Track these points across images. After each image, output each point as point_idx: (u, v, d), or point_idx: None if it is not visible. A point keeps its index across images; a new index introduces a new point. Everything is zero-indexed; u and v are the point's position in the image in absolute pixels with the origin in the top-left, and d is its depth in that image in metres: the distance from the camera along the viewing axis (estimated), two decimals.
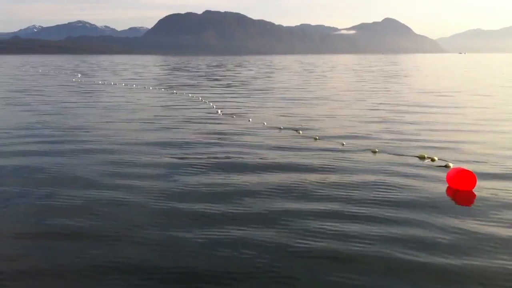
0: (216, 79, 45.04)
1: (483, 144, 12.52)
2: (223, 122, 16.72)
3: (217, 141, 13.10)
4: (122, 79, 45.86)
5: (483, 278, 5.14)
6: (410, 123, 16.41)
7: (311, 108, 21.12)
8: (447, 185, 8.53)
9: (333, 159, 10.75)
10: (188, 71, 66.05)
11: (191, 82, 41.01)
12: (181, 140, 13.20)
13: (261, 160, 10.75)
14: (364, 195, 7.99)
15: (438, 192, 8.17)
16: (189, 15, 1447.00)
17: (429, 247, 5.84)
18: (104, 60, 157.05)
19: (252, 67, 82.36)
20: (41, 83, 40.32)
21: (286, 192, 8.25)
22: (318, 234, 6.30)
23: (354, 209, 7.30)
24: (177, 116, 18.46)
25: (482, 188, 8.31)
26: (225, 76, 51.63)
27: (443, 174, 9.13)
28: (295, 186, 8.59)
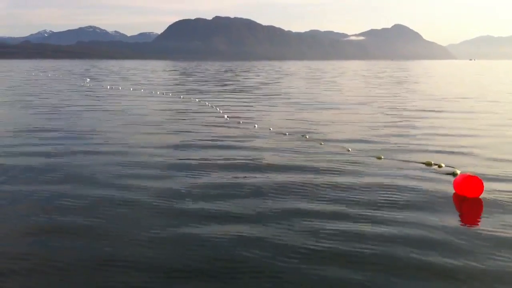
0: (224, 84, 45.06)
1: (491, 150, 12.36)
2: (229, 127, 16.68)
3: (222, 145, 13.06)
4: (130, 83, 46.01)
5: (489, 280, 5.17)
6: (417, 128, 16.27)
7: (318, 113, 21.03)
8: (454, 192, 8.41)
9: (338, 165, 10.64)
10: (196, 76, 66.17)
11: (199, 87, 41.04)
12: (187, 144, 13.21)
13: (265, 164, 10.68)
14: (368, 202, 7.88)
15: (444, 199, 8.05)
16: (198, 21, 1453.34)
17: (435, 254, 5.74)
18: (114, 65, 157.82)
19: (260, 72, 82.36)
20: (50, 87, 40.50)
21: (290, 195, 8.19)
22: (323, 236, 6.27)
23: (357, 214, 7.20)
24: (183, 121, 18.45)
25: (489, 195, 8.18)
26: (233, 81, 51.65)
27: (450, 181, 9.00)
28: (299, 191, 8.52)
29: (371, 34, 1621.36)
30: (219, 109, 22.11)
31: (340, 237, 6.33)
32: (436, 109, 22.53)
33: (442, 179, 9.35)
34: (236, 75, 68.45)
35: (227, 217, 7.14)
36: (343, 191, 8.56)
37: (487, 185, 8.37)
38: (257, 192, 8.49)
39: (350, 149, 12.38)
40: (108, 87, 40.47)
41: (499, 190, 8.50)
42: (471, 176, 8.21)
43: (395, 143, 13.44)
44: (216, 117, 19.47)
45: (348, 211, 7.40)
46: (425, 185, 8.87)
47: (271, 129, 15.92)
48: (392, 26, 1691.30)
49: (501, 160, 11.16)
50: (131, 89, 37.56)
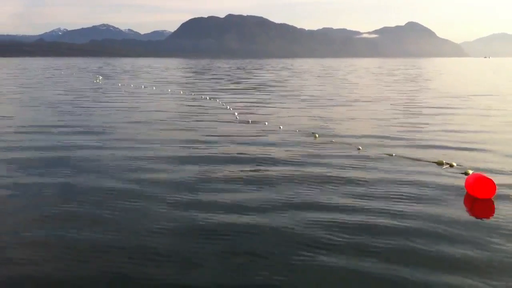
0: (236, 82, 44.99)
1: (504, 149, 12.13)
2: (239, 125, 16.58)
3: (232, 141, 12.97)
4: (142, 81, 46.12)
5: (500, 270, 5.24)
6: (430, 127, 16.05)
7: (329, 111, 20.86)
8: (466, 192, 8.22)
9: (349, 163, 10.50)
10: (208, 74, 66.19)
11: (210, 84, 41.02)
12: (196, 141, 13.16)
13: (273, 161, 10.58)
14: (378, 201, 7.74)
15: (456, 200, 7.87)
16: (211, 19, 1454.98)
17: (448, 257, 5.63)
18: (127, 63, 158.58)
19: (272, 70, 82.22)
20: (63, 84, 40.70)
21: (300, 191, 8.10)
22: (333, 242, 6.13)
23: (368, 216, 7.06)
24: (192, 118, 18.39)
25: (502, 196, 7.98)
26: (244, 79, 51.56)
27: (461, 182, 8.80)
28: (309, 189, 8.41)
29: (384, 31, 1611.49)
30: (229, 106, 22.02)
31: (349, 231, 6.37)
32: (449, 107, 22.25)
33: (453, 179, 9.16)
34: (248, 73, 68.35)
35: (240, 209, 7.25)
36: (354, 188, 8.44)
37: (498, 186, 8.15)
38: (267, 187, 8.54)
39: (360, 147, 12.22)
40: (120, 84, 40.58)
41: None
42: (483, 176, 8.00)
43: (407, 141, 13.26)
44: (226, 114, 19.37)
45: (357, 207, 7.32)
46: (436, 186, 8.68)
47: (281, 127, 15.79)
48: (406, 24, 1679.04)
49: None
50: (143, 86, 37.62)
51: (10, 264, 5.63)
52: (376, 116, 18.96)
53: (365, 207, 7.42)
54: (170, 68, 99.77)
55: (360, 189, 8.44)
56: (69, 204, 7.65)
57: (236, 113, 19.34)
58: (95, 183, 8.95)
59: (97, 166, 10.26)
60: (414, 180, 9.03)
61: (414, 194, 8.15)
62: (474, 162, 10.62)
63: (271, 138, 13.83)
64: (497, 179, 8.26)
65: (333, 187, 8.57)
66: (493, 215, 7.16)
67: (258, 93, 31.73)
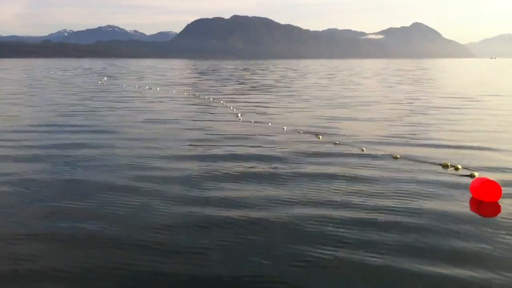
0: (241, 83, 44.88)
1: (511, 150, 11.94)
2: (241, 125, 16.45)
3: (234, 145, 12.81)
4: (147, 82, 46.12)
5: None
6: (435, 128, 15.86)
7: (333, 112, 20.68)
8: (471, 196, 8.05)
9: (352, 165, 10.34)
10: (213, 74, 66.14)
11: (215, 85, 40.95)
12: (199, 144, 13.03)
13: (278, 165, 10.42)
14: (382, 204, 7.57)
15: (461, 204, 7.70)
16: (217, 20, 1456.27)
17: (449, 260, 5.48)
18: (132, 64, 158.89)
19: (277, 71, 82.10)
20: (68, 85, 40.75)
21: (304, 197, 7.97)
22: (337, 241, 6.10)
23: (371, 217, 6.93)
24: (195, 118, 18.29)
25: (508, 200, 7.81)
26: (249, 79, 51.45)
27: (466, 184, 8.62)
28: (313, 192, 8.28)
29: (389, 32, 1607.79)
30: (233, 107, 21.89)
31: (352, 241, 6.11)
32: (455, 107, 22.05)
33: (458, 183, 8.98)
34: (252, 74, 68.25)
35: (236, 220, 6.91)
36: (358, 191, 8.29)
37: (504, 189, 7.98)
38: (270, 185, 8.44)
39: (364, 149, 12.06)
40: (124, 85, 40.57)
41: None
42: (489, 180, 7.83)
43: (412, 142, 13.09)
44: (229, 115, 19.25)
45: (361, 212, 7.16)
46: (441, 189, 8.49)
47: (285, 128, 15.64)
48: (411, 25, 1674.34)
49: None
50: (147, 87, 37.56)
51: (14, 257, 5.70)
52: (380, 117, 18.78)
53: (367, 210, 7.28)
54: (176, 69, 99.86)
55: (363, 192, 8.28)
56: (75, 199, 7.81)
57: (239, 114, 19.21)
58: (100, 180, 9.17)
59: (102, 165, 10.38)
60: (418, 183, 8.87)
61: (418, 196, 7.99)
62: (480, 164, 10.43)
63: (274, 138, 13.70)
64: (503, 181, 8.10)
65: (335, 189, 8.43)
66: (498, 216, 7.07)
67: (262, 93, 31.61)
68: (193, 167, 10.25)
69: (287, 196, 8.04)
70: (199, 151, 12.13)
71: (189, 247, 5.94)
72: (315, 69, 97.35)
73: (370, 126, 16.51)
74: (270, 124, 16.49)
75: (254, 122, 17.18)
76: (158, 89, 35.77)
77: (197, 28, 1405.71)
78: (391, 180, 9.09)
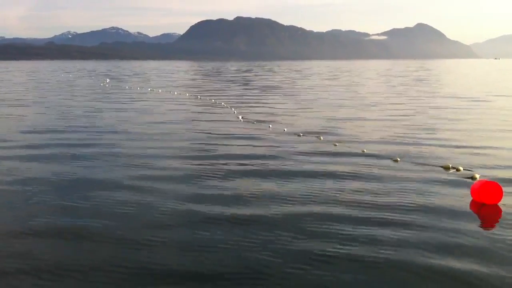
0: (243, 84, 44.82)
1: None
2: (243, 127, 16.34)
3: (235, 147, 12.74)
4: (149, 84, 46.10)
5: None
6: (436, 129, 15.73)
7: (335, 113, 20.53)
8: (472, 198, 7.92)
9: (352, 168, 10.21)
10: (216, 76, 66.12)
11: (217, 87, 40.88)
12: (200, 145, 13.01)
13: (277, 166, 10.33)
14: (381, 207, 7.47)
15: (461, 206, 7.57)
16: (220, 21, 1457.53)
17: (449, 260, 5.36)
18: (136, 65, 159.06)
19: (280, 72, 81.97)
20: (71, 87, 40.77)
21: (305, 198, 7.96)
22: (338, 240, 6.13)
23: (371, 217, 6.84)
24: (197, 121, 18.20)
25: (509, 202, 7.67)
26: (251, 81, 51.38)
27: (468, 186, 8.47)
28: (313, 194, 8.23)
29: (393, 33, 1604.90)
30: (234, 109, 21.79)
31: (355, 240, 6.15)
32: (458, 108, 21.89)
33: (460, 184, 8.86)
34: (255, 75, 68.17)
35: (238, 219, 7.00)
36: (358, 194, 8.20)
37: (506, 191, 7.86)
38: (269, 195, 8.21)
39: (365, 150, 11.94)
40: (127, 87, 40.55)
41: None
42: (490, 182, 7.70)
43: (413, 144, 12.95)
44: (230, 117, 19.15)
45: (363, 214, 7.11)
46: (442, 193, 8.35)
47: (285, 129, 15.54)
48: (415, 25, 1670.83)
49: None
50: (149, 89, 37.51)
51: (17, 254, 5.78)
52: (382, 119, 18.65)
53: (368, 212, 7.19)
54: (179, 70, 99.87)
55: (364, 195, 8.17)
56: (65, 214, 7.40)
57: (240, 116, 19.10)
58: (102, 178, 9.40)
59: (98, 174, 10.01)
60: (419, 186, 8.75)
61: (419, 199, 7.87)
62: (482, 165, 10.30)
63: (275, 141, 13.58)
64: (504, 183, 7.98)
65: (335, 193, 8.30)
66: (499, 220, 6.94)
67: (265, 95, 31.52)
68: (193, 166, 10.45)
69: (286, 195, 8.08)
70: (199, 151, 12.20)
71: (190, 244, 6.06)
72: (318, 70, 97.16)
73: (371, 127, 16.37)
74: (270, 126, 16.36)
75: (255, 122, 17.09)
76: (159, 90, 35.70)
77: (201, 30, 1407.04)
78: (392, 182, 8.99)
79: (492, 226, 6.84)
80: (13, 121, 18.46)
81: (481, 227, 6.76)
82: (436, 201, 7.81)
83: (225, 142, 13.50)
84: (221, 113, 20.70)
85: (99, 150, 12.29)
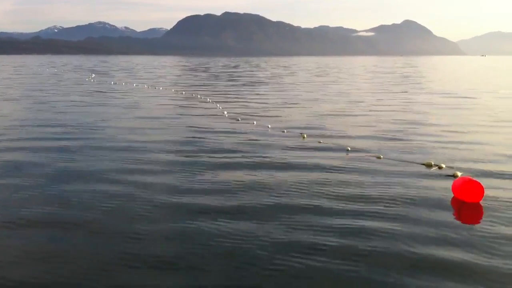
0: (228, 80, 44.67)
1: (495, 149, 11.80)
2: (227, 124, 16.22)
3: (219, 142, 12.63)
4: (135, 79, 45.77)
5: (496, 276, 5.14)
6: (422, 126, 15.72)
7: (319, 111, 20.47)
8: (453, 196, 7.89)
9: (335, 164, 10.17)
10: (203, 72, 65.85)
11: (203, 82, 40.70)
12: (185, 140, 13.07)
13: (261, 162, 10.24)
14: (364, 203, 7.43)
15: (442, 204, 7.53)
16: (208, 17, 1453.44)
17: (429, 265, 5.30)
18: (122, 60, 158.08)
19: (268, 68, 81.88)
20: (56, 82, 40.38)
21: (288, 193, 8.01)
22: (325, 231, 5.91)
23: (352, 212, 6.82)
24: (180, 117, 18.05)
25: (490, 200, 7.65)
26: (237, 77, 51.21)
27: (449, 183, 8.45)
28: (296, 188, 8.27)
29: (381, 29, 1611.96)
30: (219, 105, 21.66)
31: (338, 233, 6.22)
32: (443, 105, 21.97)
33: (441, 183, 8.81)
34: (243, 71, 68.00)
35: (225, 211, 7.09)
36: (339, 190, 8.17)
37: (487, 183, 7.87)
38: (255, 190, 8.24)
39: (349, 148, 11.90)
40: (112, 82, 40.21)
41: (501, 195, 7.95)
42: (471, 179, 7.67)
43: (397, 141, 12.93)
44: (215, 113, 19.02)
45: (345, 209, 7.17)
46: (423, 190, 8.32)
47: (270, 126, 15.45)
48: (402, 22, 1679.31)
49: (507, 162, 10.63)
50: (134, 84, 37.22)
51: (5, 245, 5.94)
52: (366, 116, 18.63)
53: (352, 209, 7.17)
54: (166, 66, 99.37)
55: (347, 191, 8.14)
56: (54, 208, 7.33)
57: (225, 112, 18.99)
58: (90, 171, 9.52)
59: (85, 167, 9.90)
60: (401, 183, 8.72)
61: (400, 196, 7.83)
62: (464, 163, 10.30)
63: (259, 138, 13.49)
64: (485, 181, 7.97)
65: (318, 189, 8.27)
66: (481, 219, 6.91)
67: (250, 91, 31.40)
68: (179, 159, 10.65)
69: (268, 197, 7.86)
70: (185, 144, 12.34)
71: (177, 235, 6.19)
72: (306, 66, 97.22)
73: (356, 125, 16.33)
74: (255, 122, 16.26)
75: (240, 119, 16.99)
76: (145, 86, 35.41)
77: (189, 25, 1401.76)
78: (374, 179, 8.95)
79: (473, 220, 6.90)
80: None
81: (461, 220, 6.88)
82: (416, 198, 7.78)
83: (210, 136, 13.51)
84: (205, 109, 20.57)
85: (83, 144, 12.44)
